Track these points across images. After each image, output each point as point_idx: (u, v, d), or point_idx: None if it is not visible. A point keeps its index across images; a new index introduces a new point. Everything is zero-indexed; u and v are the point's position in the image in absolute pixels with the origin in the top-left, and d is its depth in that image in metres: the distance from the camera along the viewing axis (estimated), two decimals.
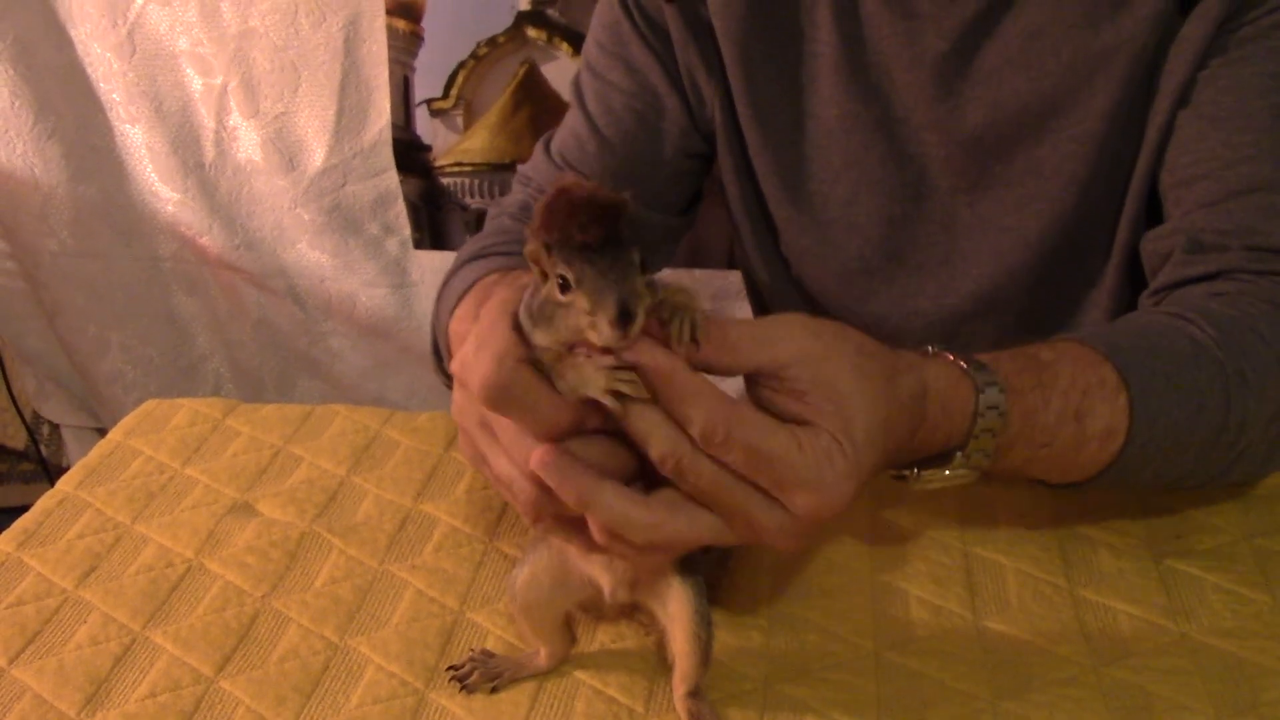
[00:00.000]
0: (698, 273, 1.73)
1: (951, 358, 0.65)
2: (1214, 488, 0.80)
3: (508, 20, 1.70)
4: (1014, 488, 0.81)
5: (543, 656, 0.66)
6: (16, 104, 1.79)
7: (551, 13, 1.68)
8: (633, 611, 0.69)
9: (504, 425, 0.55)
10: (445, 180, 1.83)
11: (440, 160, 1.83)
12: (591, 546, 0.57)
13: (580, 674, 0.66)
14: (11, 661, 0.68)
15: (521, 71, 1.73)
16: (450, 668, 0.66)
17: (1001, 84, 0.89)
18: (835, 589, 0.73)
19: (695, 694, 0.63)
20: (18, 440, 2.01)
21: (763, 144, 0.98)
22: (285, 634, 0.70)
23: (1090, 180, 0.89)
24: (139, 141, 1.86)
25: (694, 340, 0.52)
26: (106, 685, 0.66)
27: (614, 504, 0.53)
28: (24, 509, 0.84)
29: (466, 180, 1.82)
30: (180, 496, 0.86)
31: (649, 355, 0.51)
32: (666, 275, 0.52)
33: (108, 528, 0.82)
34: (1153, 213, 0.89)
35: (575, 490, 0.53)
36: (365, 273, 1.90)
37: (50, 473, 2.04)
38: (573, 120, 1.02)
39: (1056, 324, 0.97)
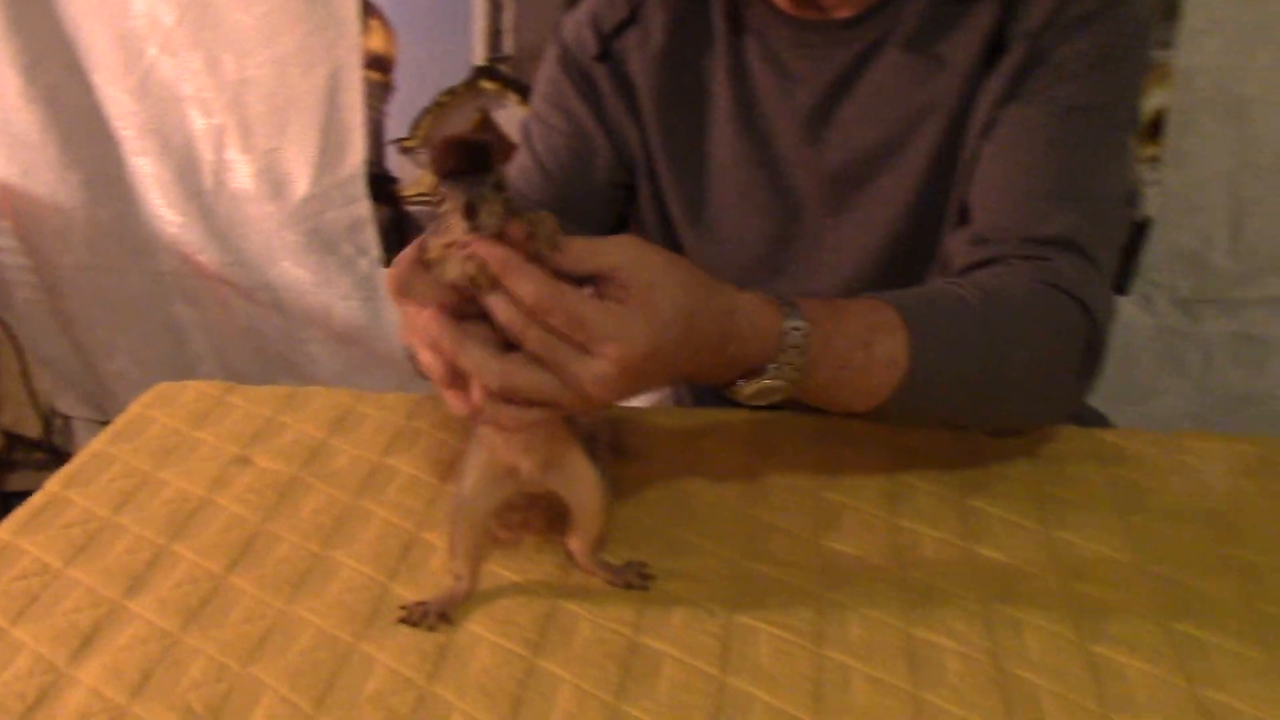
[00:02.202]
0: None
1: (761, 292, 0.75)
2: (998, 426, 0.93)
3: (465, 74, 1.80)
4: (1004, 457, 0.93)
5: (465, 583, 0.74)
6: (45, 139, 1.87)
7: (503, 68, 1.78)
8: (541, 512, 0.79)
9: (419, 320, 0.65)
10: (410, 208, 1.92)
11: (406, 191, 1.90)
12: (508, 424, 0.67)
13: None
14: (67, 565, 0.80)
15: (477, 118, 1.82)
16: (401, 620, 0.73)
17: (854, 131, 1.00)
18: (857, 528, 0.84)
19: (599, 556, 0.76)
20: (34, 430, 2.07)
21: (672, 178, 1.08)
22: (277, 549, 0.82)
23: (918, 204, 1.00)
24: (148, 171, 1.93)
25: (553, 248, 0.64)
26: (141, 580, 0.78)
27: (475, 353, 0.64)
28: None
29: (429, 209, 1.89)
30: (191, 452, 0.95)
31: (487, 248, 0.62)
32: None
33: (134, 475, 0.92)
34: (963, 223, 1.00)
35: (450, 342, 0.63)
36: (340, 287, 1.97)
37: (60, 460, 2.07)
38: (522, 157, 1.12)
39: None
